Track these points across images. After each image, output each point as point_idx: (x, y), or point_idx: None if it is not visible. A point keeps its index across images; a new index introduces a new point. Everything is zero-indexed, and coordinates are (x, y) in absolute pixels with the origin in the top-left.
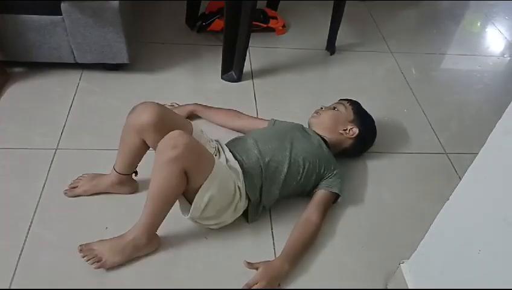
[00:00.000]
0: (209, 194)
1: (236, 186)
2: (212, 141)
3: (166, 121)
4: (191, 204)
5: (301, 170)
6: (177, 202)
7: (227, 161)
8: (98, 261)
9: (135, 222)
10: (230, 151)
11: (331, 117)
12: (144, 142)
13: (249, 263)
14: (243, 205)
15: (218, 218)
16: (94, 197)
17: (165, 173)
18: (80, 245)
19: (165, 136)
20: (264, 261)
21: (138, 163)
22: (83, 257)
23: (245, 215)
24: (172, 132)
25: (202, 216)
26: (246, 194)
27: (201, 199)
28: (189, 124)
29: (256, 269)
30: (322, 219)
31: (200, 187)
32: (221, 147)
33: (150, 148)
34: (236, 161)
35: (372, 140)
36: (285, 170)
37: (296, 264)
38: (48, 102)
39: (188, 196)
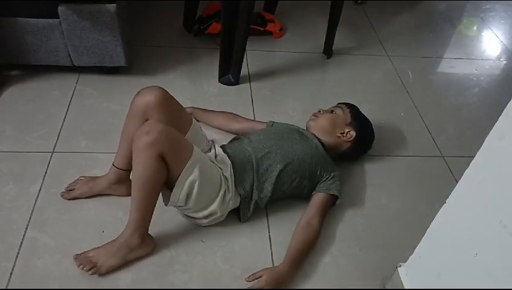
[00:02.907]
0: (189, 179)
1: (222, 176)
2: (208, 140)
3: (170, 103)
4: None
5: (296, 169)
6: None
7: (216, 155)
8: (93, 267)
9: None
10: (221, 147)
11: (328, 120)
12: None
13: (251, 275)
14: (231, 197)
15: (206, 209)
16: (90, 200)
17: (142, 159)
18: (75, 254)
19: (143, 124)
20: (266, 268)
21: None
22: (79, 265)
23: (238, 214)
24: (148, 121)
25: (188, 207)
26: (236, 188)
27: (181, 185)
28: (190, 118)
29: (260, 277)
30: (322, 222)
31: (180, 174)
32: (214, 146)
33: None
34: (226, 154)
35: (370, 144)
36: (279, 167)
37: (299, 268)
38: (45, 105)
39: (170, 186)
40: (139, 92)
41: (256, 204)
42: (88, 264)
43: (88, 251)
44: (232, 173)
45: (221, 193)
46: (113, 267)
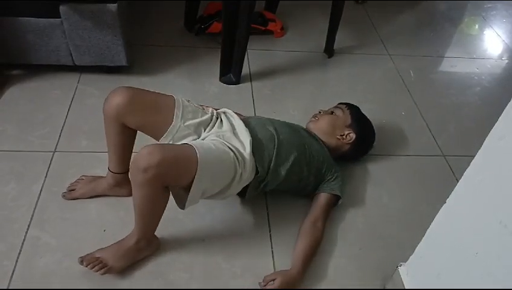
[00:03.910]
0: (201, 189)
1: (236, 157)
2: (206, 107)
3: (141, 99)
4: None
5: (308, 161)
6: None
7: (233, 128)
8: (104, 267)
9: (133, 224)
10: (243, 121)
11: (328, 122)
12: (126, 128)
13: (264, 278)
14: (247, 175)
15: (224, 193)
16: (92, 199)
17: (143, 195)
18: (80, 257)
19: (136, 155)
20: (279, 272)
21: (130, 157)
22: (87, 265)
23: (241, 193)
24: (144, 149)
25: (204, 198)
26: (255, 165)
27: (195, 195)
28: (170, 98)
29: (273, 280)
30: (325, 222)
31: (191, 186)
32: (229, 115)
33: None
34: (247, 129)
35: (370, 145)
36: (295, 154)
37: (307, 271)
38: (46, 104)
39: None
40: (106, 98)
41: (265, 186)
42: (99, 264)
43: (93, 252)
44: (251, 151)
45: (237, 176)
46: (123, 268)
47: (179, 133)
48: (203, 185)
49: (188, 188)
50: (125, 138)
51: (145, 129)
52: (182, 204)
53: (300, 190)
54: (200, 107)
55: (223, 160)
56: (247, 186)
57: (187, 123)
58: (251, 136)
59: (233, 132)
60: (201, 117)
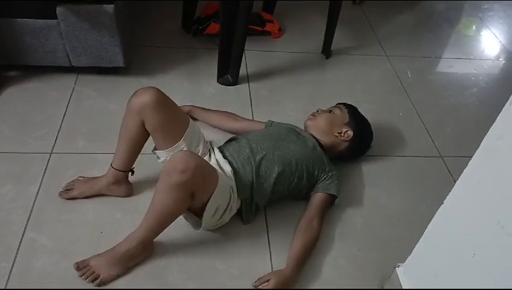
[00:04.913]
0: (215, 206)
1: (230, 188)
2: (206, 142)
3: (165, 104)
4: (196, 216)
5: (294, 170)
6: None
7: (217, 161)
8: (95, 279)
9: (130, 226)
10: (220, 151)
11: (326, 120)
12: (143, 127)
13: (258, 279)
14: (235, 203)
15: (218, 220)
16: (89, 201)
17: (172, 197)
18: (76, 263)
19: (174, 156)
20: (273, 272)
21: (136, 157)
22: (81, 275)
23: (240, 215)
24: (181, 153)
25: (207, 227)
26: (237, 193)
27: (210, 213)
28: (188, 118)
29: (267, 281)
30: (322, 222)
31: (207, 202)
32: (212, 149)
33: (146, 152)
34: (226, 161)
35: (368, 144)
36: (277, 169)
37: (302, 270)
38: (43, 106)
39: (193, 210)
40: (134, 92)
41: (257, 205)
42: (91, 275)
43: (88, 259)
44: (234, 179)
45: (230, 203)
46: (115, 277)
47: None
48: (218, 200)
49: (199, 212)
50: (140, 136)
51: (156, 133)
52: (197, 224)
53: (295, 195)
54: (204, 139)
55: (227, 186)
56: (241, 211)
57: (190, 148)
58: (230, 166)
59: (218, 165)
60: (202, 148)
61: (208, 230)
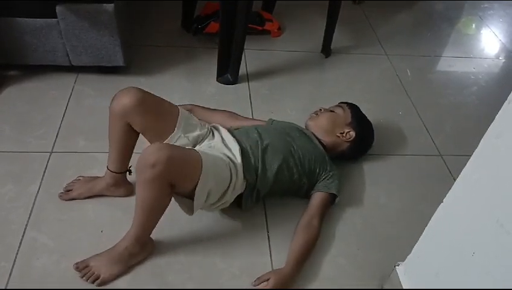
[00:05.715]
0: (206, 189)
1: (231, 164)
2: (204, 124)
3: (149, 102)
4: (189, 198)
5: (297, 163)
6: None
7: (222, 139)
8: (96, 279)
9: (130, 225)
10: (229, 132)
11: (328, 119)
12: (131, 128)
13: (257, 279)
14: (240, 183)
15: (220, 201)
16: (89, 200)
17: (150, 191)
18: (76, 263)
19: (144, 150)
20: (273, 271)
21: (130, 158)
22: (82, 276)
23: (239, 203)
24: (151, 146)
25: (204, 206)
26: (244, 174)
27: (200, 197)
28: (175, 107)
29: (266, 280)
30: (322, 221)
31: (196, 188)
32: (218, 129)
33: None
34: (234, 139)
35: (370, 144)
36: (281, 158)
37: (301, 269)
38: (43, 105)
39: (184, 194)
40: (115, 95)
41: (258, 193)
42: (91, 276)
43: (88, 259)
44: (241, 159)
45: (232, 183)
46: (116, 276)
47: (178, 142)
48: (208, 185)
49: (192, 195)
50: (128, 138)
51: (147, 133)
52: (189, 209)
53: (295, 192)
54: (200, 122)
55: (221, 165)
56: (241, 196)
57: (187, 134)
58: (239, 145)
59: (223, 143)
60: (200, 131)
61: (207, 226)
